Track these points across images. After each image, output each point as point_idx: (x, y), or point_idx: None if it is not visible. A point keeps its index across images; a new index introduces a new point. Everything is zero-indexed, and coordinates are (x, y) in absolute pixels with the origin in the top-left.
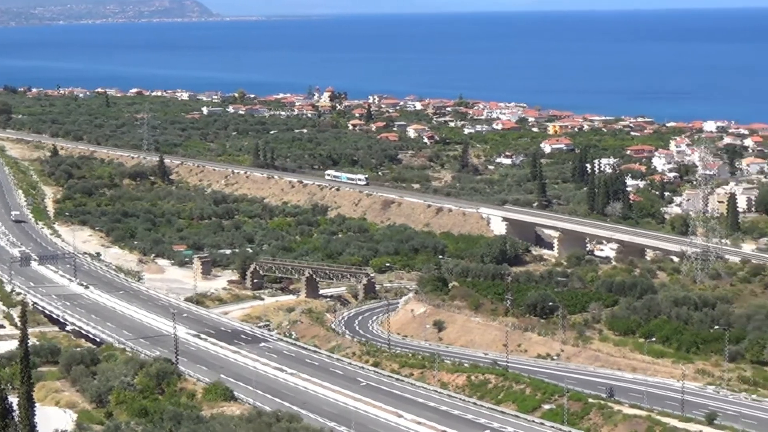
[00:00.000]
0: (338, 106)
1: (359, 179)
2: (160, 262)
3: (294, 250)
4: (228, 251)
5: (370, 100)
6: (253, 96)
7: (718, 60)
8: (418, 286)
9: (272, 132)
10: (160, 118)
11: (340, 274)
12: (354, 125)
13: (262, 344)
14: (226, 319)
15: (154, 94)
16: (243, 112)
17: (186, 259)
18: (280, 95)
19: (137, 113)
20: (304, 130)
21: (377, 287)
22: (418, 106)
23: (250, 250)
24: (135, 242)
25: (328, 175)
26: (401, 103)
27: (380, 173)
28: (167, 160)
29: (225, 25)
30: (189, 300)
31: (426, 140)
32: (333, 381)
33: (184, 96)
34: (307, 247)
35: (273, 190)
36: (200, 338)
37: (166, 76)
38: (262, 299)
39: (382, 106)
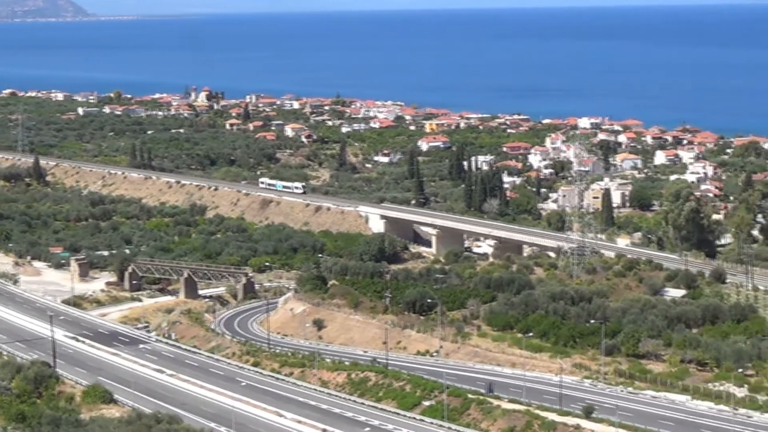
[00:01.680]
0: (215, 106)
1: (296, 187)
2: (37, 264)
3: (172, 250)
4: (105, 253)
5: (248, 100)
6: (129, 96)
7: (591, 57)
8: (298, 285)
9: (149, 132)
10: (35, 119)
11: (219, 275)
12: (231, 125)
13: (141, 346)
14: (104, 321)
15: (29, 94)
16: (119, 113)
17: (63, 261)
18: (157, 95)
19: (11, 114)
20: (182, 130)
21: (256, 287)
22: (296, 105)
23: (128, 251)
24: (10, 245)
25: (262, 183)
26: (279, 103)
27: (259, 173)
28: (43, 162)
29: (100, 24)
30: (66, 302)
31: (304, 139)
32: (213, 381)
33: (59, 96)
34: (185, 248)
35: (151, 191)
36: (78, 341)
37: (40, 76)
38: (140, 300)
39: (260, 105)
